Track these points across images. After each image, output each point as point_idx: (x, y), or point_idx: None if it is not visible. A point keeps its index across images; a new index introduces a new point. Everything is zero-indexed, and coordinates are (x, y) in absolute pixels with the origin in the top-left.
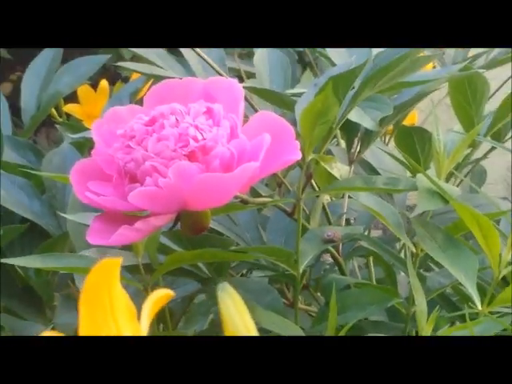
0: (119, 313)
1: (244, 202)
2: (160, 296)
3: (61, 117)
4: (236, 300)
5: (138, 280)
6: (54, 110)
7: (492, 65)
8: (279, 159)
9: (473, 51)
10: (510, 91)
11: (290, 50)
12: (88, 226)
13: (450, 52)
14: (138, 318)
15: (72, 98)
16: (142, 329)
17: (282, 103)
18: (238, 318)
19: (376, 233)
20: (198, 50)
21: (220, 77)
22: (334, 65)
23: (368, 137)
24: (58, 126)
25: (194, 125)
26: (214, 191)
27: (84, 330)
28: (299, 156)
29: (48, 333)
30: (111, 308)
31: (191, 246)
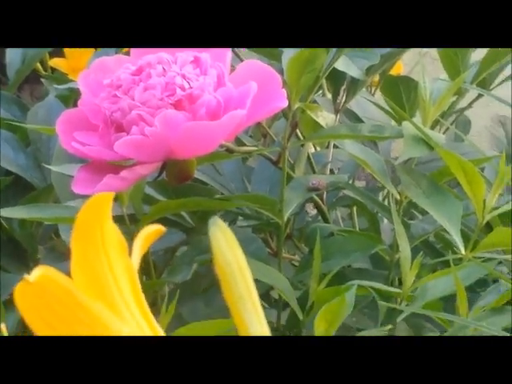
0: (111, 247)
1: (229, 150)
2: (151, 231)
3: (46, 71)
4: (227, 235)
5: (123, 230)
6: (39, 65)
7: None
8: (266, 107)
9: None
10: None
11: None
12: (73, 177)
13: None
14: (130, 254)
15: (57, 52)
16: (133, 263)
17: (269, 54)
18: (230, 253)
19: (359, 184)
20: None
21: None
22: None
23: (354, 86)
24: (43, 79)
25: (180, 74)
26: (201, 139)
27: (76, 266)
28: (286, 103)
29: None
30: (103, 242)
31: (175, 195)
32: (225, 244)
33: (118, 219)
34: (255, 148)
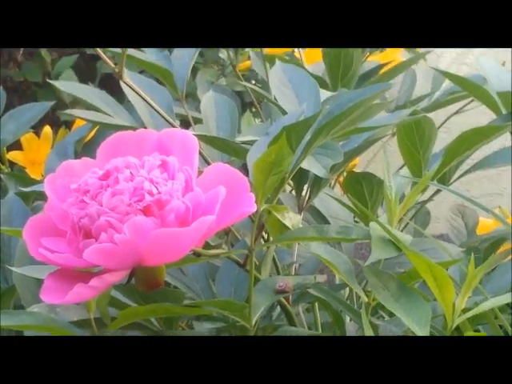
0: None
1: (197, 254)
2: None
3: (3, 165)
4: None
5: (89, 334)
6: None
7: (435, 107)
8: (235, 211)
9: (415, 93)
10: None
11: (234, 93)
12: (35, 278)
13: (394, 93)
14: None
15: (14, 146)
16: None
17: (233, 151)
18: None
19: (320, 278)
20: (143, 95)
21: (174, 128)
22: (282, 110)
23: (318, 184)
24: (2, 175)
25: (148, 178)
26: (170, 246)
27: None
28: (255, 208)
29: None
30: None
31: (142, 299)
32: None
33: (84, 323)
34: (223, 251)
